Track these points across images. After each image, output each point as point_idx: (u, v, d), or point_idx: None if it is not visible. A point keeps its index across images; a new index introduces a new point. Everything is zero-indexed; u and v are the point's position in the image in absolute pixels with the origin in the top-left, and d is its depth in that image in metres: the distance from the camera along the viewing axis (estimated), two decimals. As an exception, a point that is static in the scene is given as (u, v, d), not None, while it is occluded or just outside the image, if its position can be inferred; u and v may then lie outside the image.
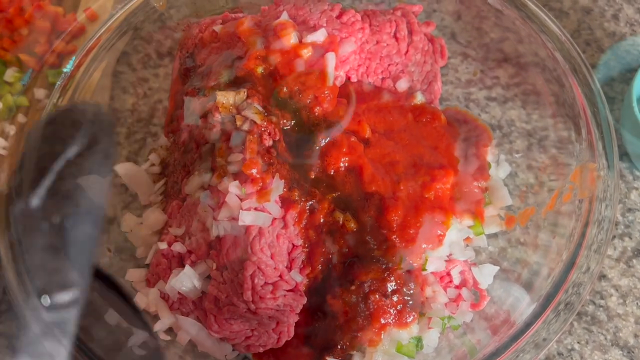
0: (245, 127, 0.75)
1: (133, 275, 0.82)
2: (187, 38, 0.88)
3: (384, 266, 0.75)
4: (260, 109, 0.74)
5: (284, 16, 0.79)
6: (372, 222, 0.76)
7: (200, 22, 0.89)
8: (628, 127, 0.91)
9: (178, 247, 0.77)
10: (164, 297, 0.78)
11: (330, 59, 0.76)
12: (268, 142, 0.74)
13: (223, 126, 0.75)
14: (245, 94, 0.76)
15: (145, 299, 0.78)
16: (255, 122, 0.74)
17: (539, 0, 0.88)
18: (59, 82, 0.83)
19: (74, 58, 0.84)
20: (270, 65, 0.77)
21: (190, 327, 0.76)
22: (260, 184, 0.72)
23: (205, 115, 0.76)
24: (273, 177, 0.72)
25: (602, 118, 0.80)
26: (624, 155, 0.95)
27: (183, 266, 0.75)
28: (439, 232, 0.78)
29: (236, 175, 0.72)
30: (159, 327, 0.77)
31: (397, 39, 0.87)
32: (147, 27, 0.93)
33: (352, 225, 0.75)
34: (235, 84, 0.78)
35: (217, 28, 0.85)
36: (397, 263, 0.76)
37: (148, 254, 0.82)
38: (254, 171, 0.71)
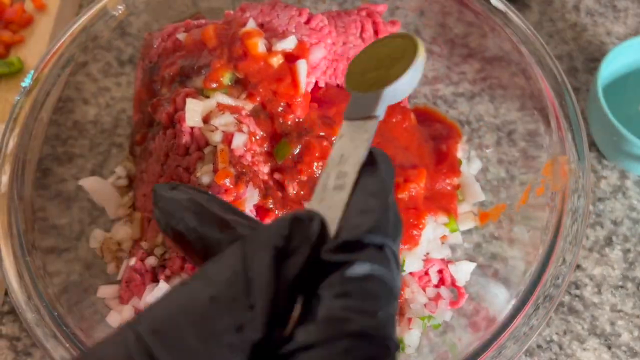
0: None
1: (105, 292, 0.79)
2: (148, 47, 0.86)
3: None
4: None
5: (251, 23, 0.78)
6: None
7: (161, 30, 0.86)
8: (595, 118, 0.91)
9: (151, 261, 0.75)
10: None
11: (302, 67, 0.75)
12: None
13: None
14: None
15: (120, 316, 0.76)
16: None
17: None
18: (18, 97, 0.81)
19: (32, 72, 0.82)
20: (239, 74, 0.76)
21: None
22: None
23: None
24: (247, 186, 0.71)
25: (569, 109, 0.80)
26: (592, 145, 0.96)
27: (157, 281, 0.73)
28: (415, 232, 0.78)
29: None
30: None
31: (363, 39, 0.85)
32: (106, 35, 0.91)
33: None
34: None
35: (181, 36, 0.82)
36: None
37: (119, 269, 0.81)
38: (227, 181, 0.70)
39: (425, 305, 0.79)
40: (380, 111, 0.49)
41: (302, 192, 0.75)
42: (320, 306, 0.36)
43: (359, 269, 0.37)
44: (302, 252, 0.37)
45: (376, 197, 0.42)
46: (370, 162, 0.46)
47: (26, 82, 0.81)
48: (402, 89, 0.50)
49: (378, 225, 0.39)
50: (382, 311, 0.36)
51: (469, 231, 0.86)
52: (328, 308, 0.36)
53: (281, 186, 0.75)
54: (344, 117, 0.49)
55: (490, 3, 0.86)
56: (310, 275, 0.37)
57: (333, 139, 0.77)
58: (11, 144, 0.79)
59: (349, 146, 0.47)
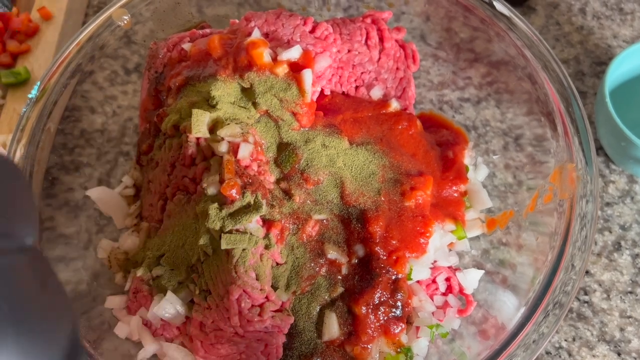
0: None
1: (113, 302, 0.79)
2: (154, 57, 0.85)
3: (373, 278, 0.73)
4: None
5: (256, 33, 0.77)
6: (357, 235, 0.75)
7: (167, 40, 0.86)
8: (602, 122, 0.90)
9: (158, 271, 0.75)
10: (147, 324, 0.75)
11: (307, 76, 0.74)
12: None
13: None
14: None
15: (127, 327, 0.76)
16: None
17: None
18: (24, 109, 0.80)
19: (38, 83, 0.81)
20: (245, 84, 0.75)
21: (176, 353, 0.73)
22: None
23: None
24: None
25: (576, 113, 0.78)
26: (599, 149, 0.95)
27: (164, 291, 0.73)
28: (422, 240, 0.76)
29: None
30: (142, 355, 0.74)
31: (368, 46, 0.84)
32: (112, 44, 0.90)
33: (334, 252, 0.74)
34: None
35: (186, 46, 0.82)
36: (384, 274, 0.74)
37: (127, 279, 0.80)
38: (233, 192, 0.69)
39: (433, 313, 0.78)
40: None
41: (308, 202, 0.74)
42: None
43: None
44: None
45: None
46: None
47: (33, 93, 0.81)
48: None
49: None
50: None
51: (477, 238, 0.85)
52: None
53: (287, 195, 0.74)
54: None
55: (495, 8, 0.85)
56: None
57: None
58: (18, 154, 0.78)
59: None
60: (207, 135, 0.73)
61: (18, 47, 1.02)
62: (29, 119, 0.80)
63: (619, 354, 0.83)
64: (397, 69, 0.88)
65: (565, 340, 0.84)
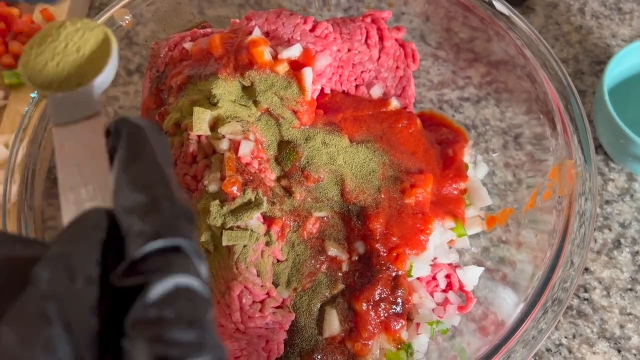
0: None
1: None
2: (155, 56, 0.86)
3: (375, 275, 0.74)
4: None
5: (257, 32, 0.78)
6: (357, 232, 0.75)
7: (168, 40, 0.87)
8: (601, 120, 0.91)
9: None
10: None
11: (307, 74, 0.74)
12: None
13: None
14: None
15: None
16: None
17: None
18: (27, 109, 0.81)
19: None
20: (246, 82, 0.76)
21: (177, 350, 0.74)
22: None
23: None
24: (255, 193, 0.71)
25: (575, 112, 0.79)
26: (599, 147, 0.96)
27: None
28: (422, 237, 0.77)
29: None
30: None
31: (368, 45, 0.85)
32: (114, 44, 0.91)
33: (334, 250, 0.75)
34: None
35: (188, 45, 0.82)
36: (384, 271, 0.75)
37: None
38: (234, 189, 0.70)
39: (433, 310, 0.78)
40: (99, 105, 0.43)
41: (309, 199, 0.75)
42: (133, 351, 0.30)
43: (160, 288, 0.31)
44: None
45: (144, 192, 0.35)
46: (121, 154, 0.38)
47: (35, 93, 0.82)
48: (109, 75, 0.47)
49: (163, 226, 0.33)
50: (201, 328, 0.30)
51: (477, 235, 0.86)
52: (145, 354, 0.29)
53: (288, 192, 0.75)
54: (55, 124, 0.41)
55: (494, 7, 0.86)
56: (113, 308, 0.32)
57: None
58: (21, 153, 0.79)
59: (83, 154, 0.40)
60: (208, 132, 0.73)
61: (21, 48, 1.03)
62: (31, 118, 0.81)
63: (619, 351, 0.84)
64: (397, 67, 0.88)
65: (566, 337, 0.85)
